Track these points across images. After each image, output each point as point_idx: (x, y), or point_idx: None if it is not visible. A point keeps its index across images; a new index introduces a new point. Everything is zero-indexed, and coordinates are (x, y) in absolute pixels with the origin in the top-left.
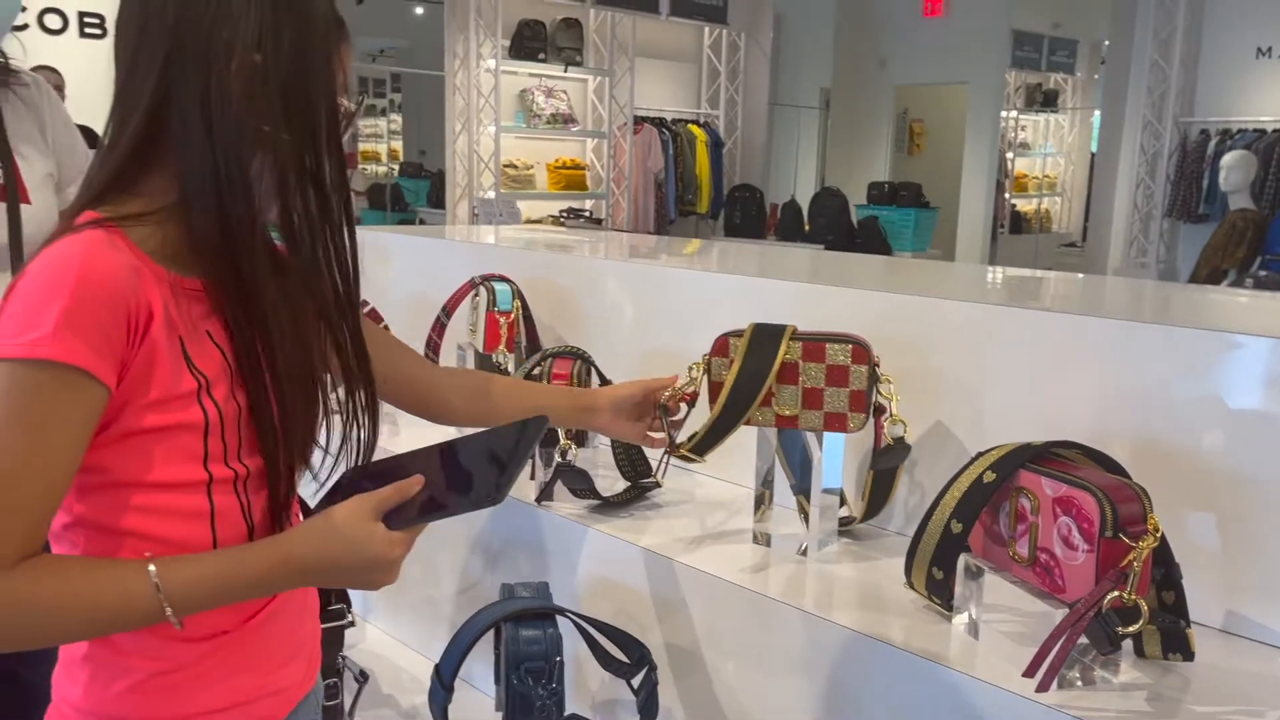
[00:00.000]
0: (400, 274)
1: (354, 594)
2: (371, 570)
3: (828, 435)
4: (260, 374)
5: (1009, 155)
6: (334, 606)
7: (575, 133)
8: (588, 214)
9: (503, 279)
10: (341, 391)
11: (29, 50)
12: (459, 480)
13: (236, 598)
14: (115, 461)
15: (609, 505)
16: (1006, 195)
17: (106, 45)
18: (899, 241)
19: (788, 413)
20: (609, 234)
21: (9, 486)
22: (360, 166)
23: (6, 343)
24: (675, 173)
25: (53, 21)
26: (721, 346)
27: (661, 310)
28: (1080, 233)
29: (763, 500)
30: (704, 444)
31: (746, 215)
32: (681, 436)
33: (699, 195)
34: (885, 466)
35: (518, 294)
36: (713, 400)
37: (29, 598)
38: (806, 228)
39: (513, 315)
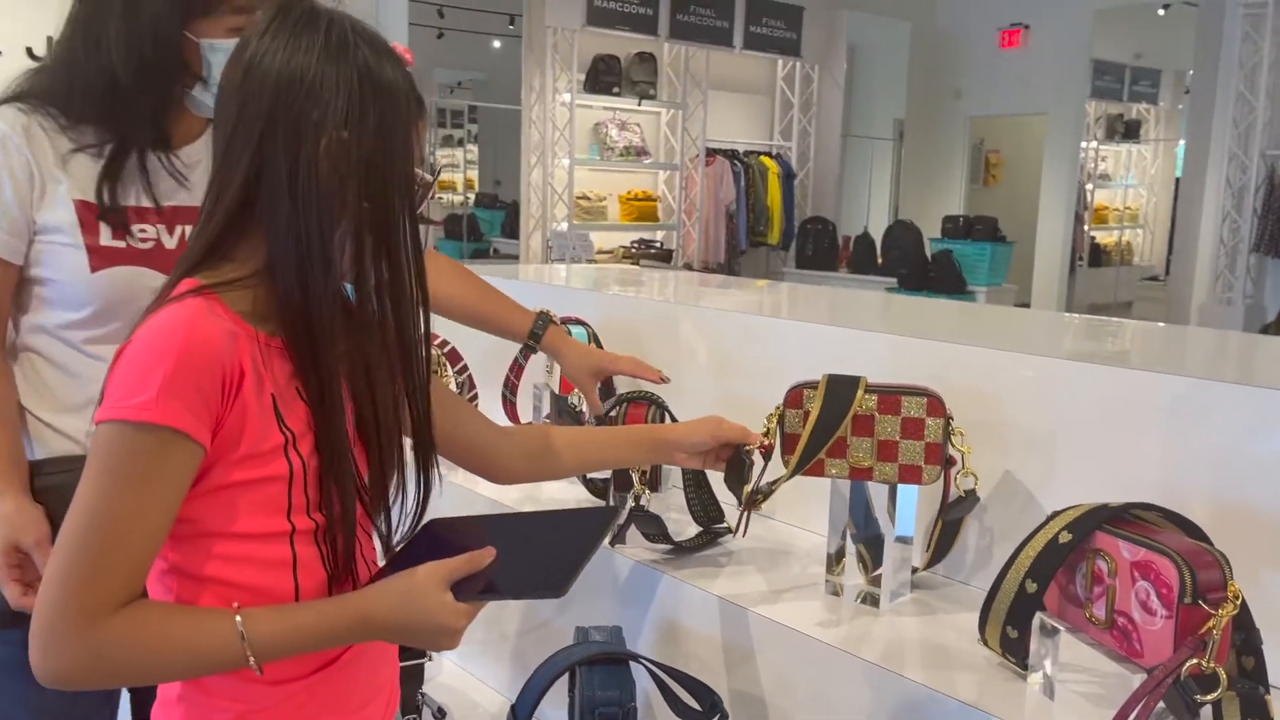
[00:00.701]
0: None
1: None
2: (437, 636)
3: (901, 487)
4: (332, 429)
5: (1088, 186)
6: None
7: (648, 165)
8: (658, 245)
9: (579, 322)
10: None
11: None
12: (527, 562)
13: (315, 648)
14: (204, 513)
15: (681, 550)
16: (1085, 227)
17: None
18: (974, 275)
19: (865, 464)
20: (681, 273)
21: (114, 538)
22: (438, 195)
23: (116, 405)
24: (746, 204)
25: None
26: (795, 398)
27: (732, 355)
28: (1163, 265)
29: (841, 553)
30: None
31: (819, 247)
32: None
33: (770, 226)
34: (954, 518)
35: (593, 337)
36: (788, 451)
37: (129, 640)
38: (879, 261)
39: None
